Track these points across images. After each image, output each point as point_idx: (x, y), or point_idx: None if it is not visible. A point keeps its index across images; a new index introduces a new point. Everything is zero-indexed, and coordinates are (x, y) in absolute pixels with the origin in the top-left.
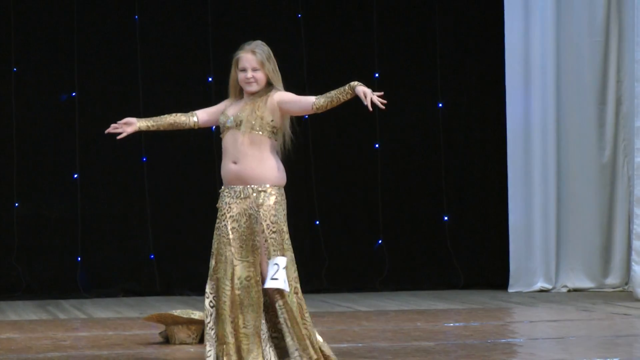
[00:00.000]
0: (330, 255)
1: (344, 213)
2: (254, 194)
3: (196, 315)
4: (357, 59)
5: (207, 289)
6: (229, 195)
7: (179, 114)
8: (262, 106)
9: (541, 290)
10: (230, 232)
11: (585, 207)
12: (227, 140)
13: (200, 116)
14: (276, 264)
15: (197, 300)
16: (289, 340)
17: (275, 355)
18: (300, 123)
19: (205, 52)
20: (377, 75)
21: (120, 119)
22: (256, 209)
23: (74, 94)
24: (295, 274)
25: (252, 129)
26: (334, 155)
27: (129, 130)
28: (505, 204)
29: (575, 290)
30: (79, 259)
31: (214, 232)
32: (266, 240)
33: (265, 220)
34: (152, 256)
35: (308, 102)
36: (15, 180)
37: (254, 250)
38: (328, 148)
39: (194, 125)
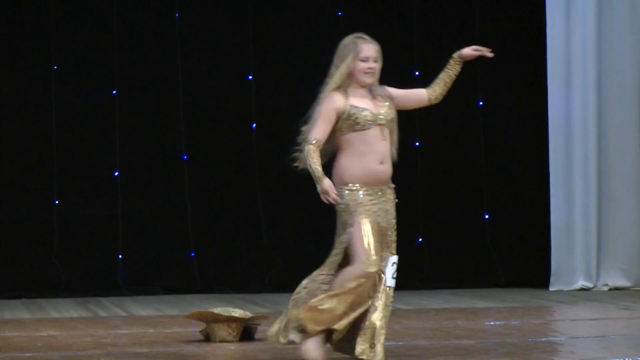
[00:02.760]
0: None
1: None
2: (389, 190)
3: (237, 313)
4: (397, 56)
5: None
6: (368, 193)
7: (314, 154)
8: (390, 102)
9: (582, 289)
10: (372, 227)
11: (626, 205)
12: (370, 137)
13: (321, 141)
14: (395, 262)
15: (237, 298)
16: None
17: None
18: None
19: (245, 51)
20: (417, 73)
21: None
22: (392, 205)
23: (114, 91)
24: None
25: (393, 125)
26: None
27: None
28: (546, 202)
29: (616, 288)
30: (120, 256)
31: (343, 229)
32: (392, 236)
33: (395, 217)
34: (192, 254)
35: (422, 94)
36: (55, 177)
37: (385, 245)
38: None
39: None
